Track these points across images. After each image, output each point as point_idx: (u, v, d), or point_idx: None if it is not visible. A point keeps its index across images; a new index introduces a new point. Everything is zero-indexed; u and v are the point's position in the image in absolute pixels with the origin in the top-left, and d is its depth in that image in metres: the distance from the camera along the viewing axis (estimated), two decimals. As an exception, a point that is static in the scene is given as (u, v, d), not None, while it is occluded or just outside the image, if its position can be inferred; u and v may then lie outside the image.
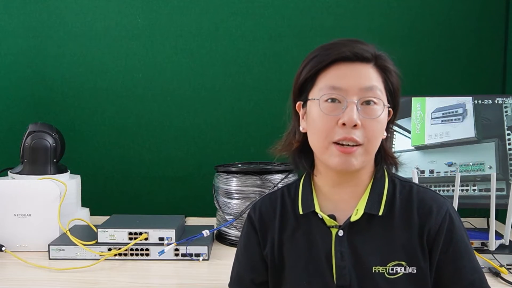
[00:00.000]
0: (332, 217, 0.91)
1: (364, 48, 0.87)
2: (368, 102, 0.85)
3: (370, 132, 0.84)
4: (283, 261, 0.94)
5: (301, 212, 0.94)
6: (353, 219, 0.89)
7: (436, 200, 0.90)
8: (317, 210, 0.92)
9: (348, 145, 0.84)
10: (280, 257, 0.95)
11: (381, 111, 0.85)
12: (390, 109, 0.90)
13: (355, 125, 0.83)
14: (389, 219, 0.89)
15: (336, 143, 0.84)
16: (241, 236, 1.02)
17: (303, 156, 0.96)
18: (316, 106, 0.87)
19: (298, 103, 0.93)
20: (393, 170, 0.95)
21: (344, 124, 0.83)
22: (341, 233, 0.89)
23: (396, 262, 0.87)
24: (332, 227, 0.90)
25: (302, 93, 0.92)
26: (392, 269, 0.87)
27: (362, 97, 0.84)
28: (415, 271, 0.87)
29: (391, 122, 0.93)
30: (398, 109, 0.93)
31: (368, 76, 0.86)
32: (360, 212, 0.89)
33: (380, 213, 0.89)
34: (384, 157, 0.93)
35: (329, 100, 0.85)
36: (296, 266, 0.92)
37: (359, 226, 0.89)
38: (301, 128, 0.93)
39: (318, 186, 0.95)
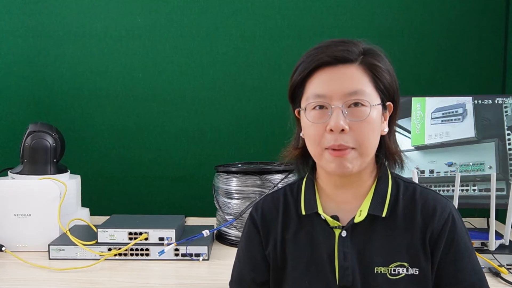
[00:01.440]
0: (335, 217, 0.91)
1: (346, 49, 0.86)
2: (355, 104, 0.84)
3: (359, 134, 0.84)
4: (285, 260, 0.94)
5: (303, 213, 0.94)
6: (357, 220, 0.89)
7: (440, 201, 0.90)
8: (320, 211, 0.92)
9: (340, 149, 0.84)
10: (283, 256, 0.95)
11: (369, 111, 0.84)
12: (389, 103, 0.90)
13: (343, 130, 0.83)
14: (392, 220, 0.89)
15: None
16: (242, 235, 1.02)
17: (304, 161, 0.97)
18: (304, 115, 0.88)
19: (296, 109, 0.93)
20: (398, 168, 0.95)
21: (332, 130, 0.83)
22: (344, 233, 0.89)
23: (399, 263, 0.87)
24: (335, 227, 0.90)
25: (295, 100, 0.92)
26: (394, 270, 0.87)
27: (347, 101, 0.84)
28: (417, 272, 0.87)
29: (393, 116, 0.92)
30: (399, 101, 0.92)
31: (352, 79, 0.85)
32: (364, 213, 0.89)
33: (384, 215, 0.89)
34: (386, 154, 0.92)
35: (317, 107, 0.86)
36: (298, 266, 0.92)
37: (362, 227, 0.89)
38: (301, 134, 0.93)
39: (321, 187, 0.95)
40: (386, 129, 0.90)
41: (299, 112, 0.92)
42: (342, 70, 0.85)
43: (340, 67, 0.85)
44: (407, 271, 0.87)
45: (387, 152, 0.92)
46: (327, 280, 0.89)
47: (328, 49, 0.86)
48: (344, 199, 0.92)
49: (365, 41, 0.90)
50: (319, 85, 0.86)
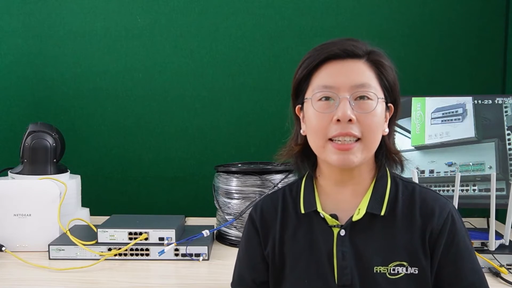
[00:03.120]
0: (334, 216, 0.91)
1: (355, 44, 0.87)
2: (362, 97, 0.85)
3: (366, 126, 0.85)
4: (284, 260, 0.94)
5: (303, 211, 0.94)
6: (355, 218, 0.89)
7: (439, 201, 0.90)
8: (319, 209, 0.92)
9: (345, 141, 0.84)
10: (281, 256, 0.95)
11: (376, 105, 0.85)
12: (390, 104, 0.90)
13: (350, 120, 0.83)
14: (391, 219, 0.89)
15: (333, 140, 0.85)
16: (242, 236, 1.02)
17: (305, 159, 0.97)
18: (310, 106, 0.88)
19: (297, 106, 0.94)
20: (399, 169, 0.95)
21: (338, 120, 0.84)
22: (343, 232, 0.89)
23: (398, 263, 0.87)
24: (334, 226, 0.90)
25: (299, 95, 0.93)
26: (394, 269, 0.87)
27: (354, 93, 0.85)
28: (416, 272, 0.87)
29: (393, 118, 0.92)
30: (399, 103, 0.93)
31: (360, 72, 0.86)
32: (362, 212, 0.89)
33: (382, 213, 0.89)
34: (386, 154, 0.93)
35: (323, 99, 0.86)
36: (297, 265, 0.92)
37: (361, 225, 0.89)
38: (301, 131, 0.93)
39: (321, 185, 0.96)
40: (387, 130, 0.91)
41: (300, 109, 0.92)
42: (350, 64, 0.86)
43: (348, 61, 0.87)
44: (407, 270, 0.87)
45: (387, 152, 0.93)
46: (326, 279, 0.89)
47: (337, 43, 0.88)
48: (343, 197, 0.92)
49: (370, 42, 0.91)
50: (327, 76, 0.87)
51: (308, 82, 0.90)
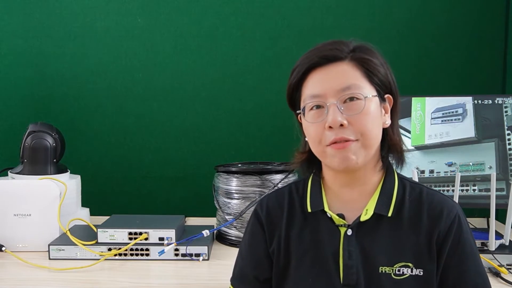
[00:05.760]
0: (341, 216, 0.91)
1: (335, 47, 0.87)
2: (351, 98, 0.85)
3: (360, 126, 0.85)
4: (289, 258, 0.94)
5: (309, 210, 0.94)
6: (362, 219, 0.89)
7: (446, 203, 0.90)
8: (326, 209, 0.92)
9: (342, 141, 0.85)
10: (286, 254, 0.95)
11: (364, 103, 0.85)
12: (388, 95, 0.90)
13: (342, 125, 0.84)
14: (397, 220, 0.90)
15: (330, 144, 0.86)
16: (245, 232, 1.02)
17: (311, 164, 0.97)
18: (304, 117, 0.90)
19: (298, 114, 0.94)
20: (399, 166, 0.95)
21: (331, 127, 0.84)
22: (349, 232, 0.90)
23: (403, 263, 0.87)
24: (341, 226, 0.91)
25: (294, 104, 0.94)
26: (399, 270, 0.87)
27: (341, 96, 0.85)
28: (421, 273, 0.87)
29: (394, 108, 0.92)
30: (397, 93, 0.93)
31: (344, 75, 0.86)
32: (370, 212, 0.89)
33: (389, 214, 0.89)
34: (390, 146, 0.93)
35: (314, 108, 0.88)
36: (302, 263, 0.93)
37: (367, 226, 0.90)
38: (306, 138, 0.94)
39: (327, 185, 0.96)
40: (388, 122, 0.91)
41: (300, 116, 0.93)
42: (334, 68, 0.87)
43: (331, 66, 0.87)
44: (412, 271, 0.87)
45: (390, 143, 0.92)
46: (331, 278, 0.89)
47: (318, 50, 0.89)
48: (351, 198, 0.93)
49: (356, 40, 0.91)
50: (313, 85, 0.88)
51: (300, 92, 0.91)
